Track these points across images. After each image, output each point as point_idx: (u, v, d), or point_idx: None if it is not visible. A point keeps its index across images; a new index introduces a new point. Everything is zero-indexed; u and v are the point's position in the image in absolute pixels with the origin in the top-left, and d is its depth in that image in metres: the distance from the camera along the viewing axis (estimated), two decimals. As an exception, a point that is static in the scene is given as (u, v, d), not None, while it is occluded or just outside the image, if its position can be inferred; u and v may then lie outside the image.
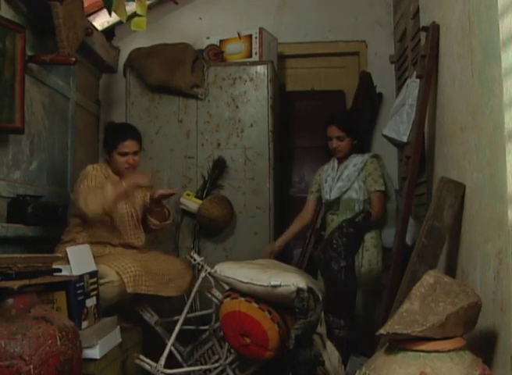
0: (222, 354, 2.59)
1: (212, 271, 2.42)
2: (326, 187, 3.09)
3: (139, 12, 3.01)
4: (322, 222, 3.25)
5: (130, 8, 3.21)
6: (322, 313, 2.22)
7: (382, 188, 2.97)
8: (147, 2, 3.00)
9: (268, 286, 2.17)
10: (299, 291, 2.17)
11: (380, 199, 2.97)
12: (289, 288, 2.13)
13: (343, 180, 3.01)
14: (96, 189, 2.59)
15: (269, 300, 2.24)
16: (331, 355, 2.21)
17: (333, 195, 3.02)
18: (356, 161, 3.03)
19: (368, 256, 2.90)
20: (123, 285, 2.48)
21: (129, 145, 2.81)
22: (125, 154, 2.80)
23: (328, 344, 2.26)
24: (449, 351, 1.45)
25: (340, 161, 3.10)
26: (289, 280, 2.16)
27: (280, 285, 2.15)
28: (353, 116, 3.40)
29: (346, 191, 3.01)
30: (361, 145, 3.13)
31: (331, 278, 2.37)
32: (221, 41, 3.76)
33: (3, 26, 2.53)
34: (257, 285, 2.21)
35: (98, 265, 2.46)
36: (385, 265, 2.88)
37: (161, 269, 2.71)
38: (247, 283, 2.24)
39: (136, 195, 2.90)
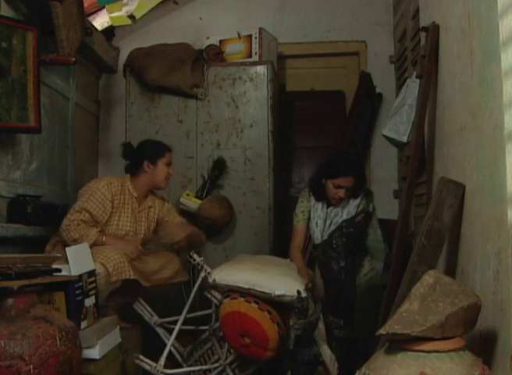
0: (221, 354, 2.60)
1: (210, 281, 2.41)
2: (317, 231, 2.92)
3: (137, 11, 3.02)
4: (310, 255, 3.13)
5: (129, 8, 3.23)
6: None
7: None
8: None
9: (272, 295, 2.22)
10: (299, 292, 2.19)
11: None
12: (293, 297, 2.18)
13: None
14: (81, 230, 2.60)
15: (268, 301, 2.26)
16: (323, 353, 2.21)
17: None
18: (356, 203, 2.87)
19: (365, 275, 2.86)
20: (109, 275, 2.47)
21: (171, 155, 2.92)
22: (169, 164, 2.87)
23: (322, 343, 2.25)
24: (448, 351, 1.45)
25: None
26: (291, 287, 2.19)
27: (284, 295, 2.19)
28: (359, 161, 3.21)
29: None
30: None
31: (331, 278, 2.37)
32: (221, 41, 3.76)
33: (7, 26, 2.53)
34: (259, 292, 2.24)
35: None
36: (385, 265, 2.88)
37: (146, 261, 2.73)
38: (248, 288, 2.26)
39: (150, 220, 2.90)
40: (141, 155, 2.84)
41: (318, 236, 2.91)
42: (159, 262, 2.79)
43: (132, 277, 2.55)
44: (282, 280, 2.26)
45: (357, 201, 2.88)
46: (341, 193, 2.81)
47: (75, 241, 2.57)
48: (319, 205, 2.93)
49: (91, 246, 2.57)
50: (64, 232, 2.58)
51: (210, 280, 2.42)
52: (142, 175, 2.83)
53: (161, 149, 2.87)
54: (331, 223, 2.87)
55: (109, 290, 2.54)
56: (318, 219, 2.93)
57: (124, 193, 2.77)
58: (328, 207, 2.92)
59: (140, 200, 2.85)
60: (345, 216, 2.83)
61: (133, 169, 2.85)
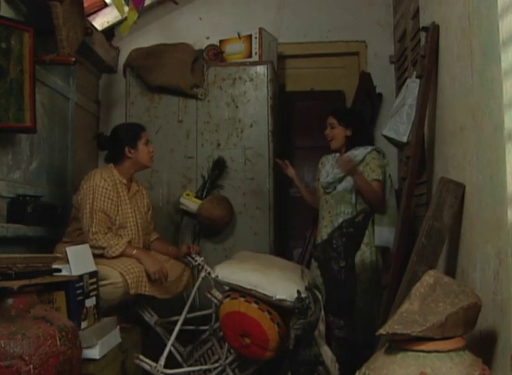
0: (221, 354, 2.60)
1: (213, 276, 2.42)
2: (323, 171, 3.14)
3: (128, 20, 2.99)
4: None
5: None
6: (322, 312, 2.23)
7: (380, 178, 2.96)
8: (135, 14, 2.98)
9: (273, 298, 2.23)
10: (299, 292, 2.19)
11: (378, 188, 2.95)
12: (293, 303, 2.19)
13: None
14: (110, 239, 2.61)
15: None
16: (324, 354, 2.21)
17: (327, 179, 3.05)
18: (358, 152, 3.02)
19: (361, 256, 2.87)
20: (127, 286, 2.48)
21: (147, 134, 2.92)
22: (147, 142, 2.87)
23: (322, 343, 2.26)
24: (448, 351, 1.45)
25: (341, 152, 3.11)
26: (293, 293, 2.20)
27: (285, 300, 2.21)
28: (351, 108, 3.50)
29: (341, 181, 3.01)
30: (363, 140, 3.11)
31: (331, 278, 2.37)
32: (221, 41, 3.76)
33: (6, 26, 2.53)
34: (261, 293, 2.25)
35: (100, 266, 2.45)
36: (385, 265, 2.88)
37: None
38: (250, 289, 2.27)
39: (139, 205, 2.90)
40: (119, 143, 2.82)
41: (323, 174, 3.14)
42: (175, 273, 2.81)
43: (147, 293, 2.58)
44: (284, 285, 2.27)
45: (360, 151, 3.01)
46: (327, 130, 3.12)
47: (103, 250, 2.58)
48: (331, 156, 3.20)
49: (118, 256, 2.59)
50: (91, 241, 2.57)
51: (213, 275, 2.42)
52: (126, 161, 2.81)
53: (136, 131, 2.86)
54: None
55: (122, 300, 2.55)
56: (327, 163, 3.17)
57: (115, 182, 2.77)
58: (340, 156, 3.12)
59: (128, 186, 2.85)
60: (352, 156, 2.99)
61: (116, 158, 2.84)
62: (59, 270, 2.08)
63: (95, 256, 2.48)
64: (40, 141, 3.08)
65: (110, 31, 4.02)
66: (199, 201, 3.41)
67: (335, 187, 3.05)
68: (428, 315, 1.48)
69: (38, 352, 1.66)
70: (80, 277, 2.22)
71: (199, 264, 2.76)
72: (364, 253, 2.90)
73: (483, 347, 1.68)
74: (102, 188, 2.67)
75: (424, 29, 2.53)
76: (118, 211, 2.73)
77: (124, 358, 2.42)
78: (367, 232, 2.86)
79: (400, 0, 3.72)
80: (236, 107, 3.59)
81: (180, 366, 2.67)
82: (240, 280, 2.32)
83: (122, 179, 2.80)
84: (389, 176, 3.06)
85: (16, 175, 2.83)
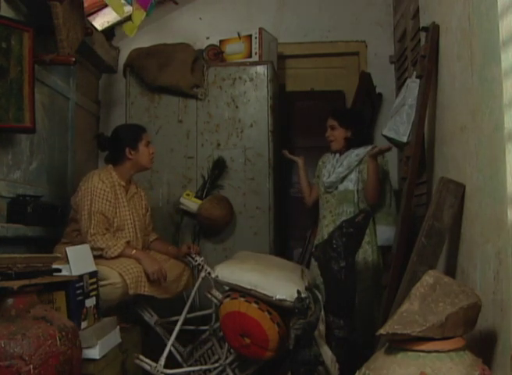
0: (221, 354, 2.60)
1: (213, 276, 2.42)
2: (325, 171, 3.14)
3: (134, 20, 2.97)
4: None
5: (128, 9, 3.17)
6: (322, 312, 2.23)
7: (379, 175, 2.97)
8: (143, 15, 2.94)
9: (273, 298, 2.24)
10: (299, 292, 2.19)
11: None
12: (293, 303, 2.19)
13: (343, 166, 3.04)
14: (108, 240, 2.61)
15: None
16: (324, 354, 2.21)
17: (331, 178, 3.05)
18: (358, 151, 3.04)
19: (363, 254, 2.89)
20: (126, 287, 2.48)
21: (148, 135, 2.92)
22: (148, 143, 2.87)
23: (322, 343, 2.26)
24: (448, 351, 1.45)
25: (341, 153, 3.13)
26: (293, 293, 2.21)
27: (285, 300, 2.22)
28: (351, 109, 3.53)
29: (343, 180, 3.03)
30: (363, 141, 3.13)
31: (331, 278, 2.37)
32: (221, 41, 3.76)
33: (7, 26, 2.53)
34: (261, 293, 2.25)
35: (99, 266, 2.45)
36: (385, 265, 2.88)
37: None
38: (250, 289, 2.27)
39: (138, 206, 2.90)
40: (120, 144, 2.82)
41: (325, 173, 3.13)
42: (175, 273, 2.81)
43: (147, 293, 2.59)
44: (284, 285, 2.27)
45: (361, 150, 3.03)
46: (328, 132, 3.13)
47: (102, 250, 2.58)
48: (331, 156, 3.19)
49: (117, 257, 2.59)
50: (90, 243, 2.57)
51: (213, 275, 2.43)
52: (126, 162, 2.82)
53: (137, 132, 2.86)
54: (341, 164, 3.07)
55: (121, 300, 2.56)
56: (327, 163, 3.16)
57: (113, 184, 2.76)
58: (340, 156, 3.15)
59: (126, 188, 2.85)
60: (347, 159, 3.05)
61: (115, 159, 2.84)
62: (59, 270, 2.08)
63: (94, 257, 2.47)
64: (40, 141, 3.08)
65: (110, 31, 4.02)
66: (199, 201, 3.41)
67: (336, 187, 3.06)
68: (428, 315, 1.48)
69: (38, 352, 1.66)
70: (80, 277, 2.22)
71: (199, 264, 2.77)
72: (366, 251, 2.91)
73: (483, 347, 1.68)
74: (100, 190, 2.67)
75: (424, 29, 2.53)
76: (116, 213, 2.73)
77: (124, 358, 2.42)
78: (368, 230, 2.88)
79: (400, 0, 3.72)
80: (236, 107, 3.59)
81: (180, 366, 2.68)
82: (240, 280, 2.32)
83: (121, 181, 2.80)
84: (388, 173, 3.07)
85: (16, 175, 2.83)
